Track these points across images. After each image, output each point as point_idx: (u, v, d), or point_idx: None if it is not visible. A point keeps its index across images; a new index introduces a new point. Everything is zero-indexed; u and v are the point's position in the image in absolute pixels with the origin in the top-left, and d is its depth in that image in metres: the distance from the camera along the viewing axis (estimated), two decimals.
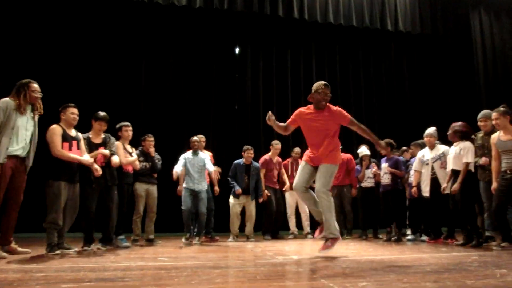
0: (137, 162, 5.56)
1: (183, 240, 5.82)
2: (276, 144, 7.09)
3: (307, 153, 4.25)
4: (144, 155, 5.87)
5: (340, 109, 4.19)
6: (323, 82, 4.18)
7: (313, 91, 4.16)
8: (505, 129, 4.55)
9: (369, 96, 9.41)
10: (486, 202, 5.16)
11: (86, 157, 4.57)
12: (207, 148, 6.91)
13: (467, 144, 5.05)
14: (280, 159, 7.19)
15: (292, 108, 8.74)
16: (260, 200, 6.63)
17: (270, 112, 4.22)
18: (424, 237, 5.92)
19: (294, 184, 4.22)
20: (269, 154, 7.08)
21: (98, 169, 4.58)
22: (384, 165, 6.40)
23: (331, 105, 4.18)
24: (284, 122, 8.79)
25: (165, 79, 8.33)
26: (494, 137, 4.69)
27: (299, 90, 8.95)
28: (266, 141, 8.11)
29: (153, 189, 5.89)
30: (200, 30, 8.61)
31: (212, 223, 6.45)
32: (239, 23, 8.76)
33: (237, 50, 8.97)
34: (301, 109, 4.29)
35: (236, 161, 6.71)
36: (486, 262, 3.31)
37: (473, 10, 9.12)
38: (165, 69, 8.37)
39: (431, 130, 5.81)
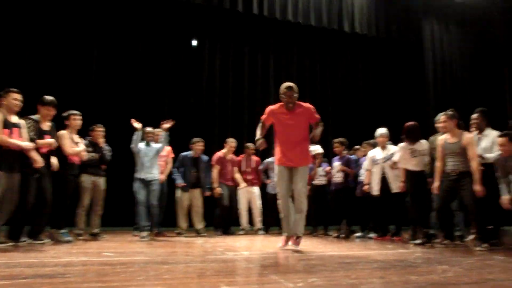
0: (84, 153, 5.30)
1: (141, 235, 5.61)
2: (232, 142, 7.02)
3: (280, 154, 4.21)
4: (93, 146, 5.62)
5: (311, 106, 4.25)
6: (286, 85, 4.18)
7: (280, 93, 4.19)
8: (452, 132, 4.74)
9: (324, 94, 9.56)
10: (435, 201, 5.40)
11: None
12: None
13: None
14: (234, 157, 7.11)
15: (249, 102, 8.79)
16: (208, 193, 6.52)
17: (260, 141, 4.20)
18: (372, 234, 6.07)
19: (280, 195, 4.21)
20: (223, 151, 7.00)
21: (38, 161, 4.30)
22: (336, 163, 6.52)
23: (301, 103, 4.22)
24: (240, 116, 8.79)
25: (118, 68, 8.02)
26: (441, 139, 4.87)
27: (255, 85, 8.95)
28: (221, 136, 8.05)
29: (101, 181, 5.64)
30: (157, 20, 8.37)
31: (161, 217, 6.29)
32: (197, 15, 8.59)
33: (194, 43, 8.80)
34: (272, 107, 4.27)
35: (183, 153, 6.56)
36: (429, 259, 3.44)
37: (425, 18, 9.51)
38: (119, 57, 8.06)
39: (383, 130, 5.96)
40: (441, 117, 4.89)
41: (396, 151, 5.52)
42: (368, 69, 10.10)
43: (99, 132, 5.70)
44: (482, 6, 9.30)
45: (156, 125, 6.84)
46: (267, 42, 9.25)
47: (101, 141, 5.69)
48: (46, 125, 4.67)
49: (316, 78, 9.58)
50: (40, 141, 4.53)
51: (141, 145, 5.89)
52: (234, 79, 8.83)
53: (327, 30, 9.18)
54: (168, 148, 6.65)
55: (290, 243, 4.26)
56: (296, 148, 4.14)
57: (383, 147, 5.89)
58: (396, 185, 5.53)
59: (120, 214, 6.98)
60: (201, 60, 8.68)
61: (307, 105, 4.25)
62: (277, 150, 4.26)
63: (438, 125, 5.37)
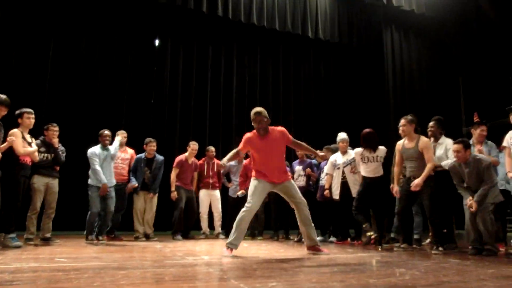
0: (36, 154, 5.04)
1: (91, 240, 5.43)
2: (194, 145, 6.91)
3: (258, 173, 4.18)
4: (46, 146, 5.35)
5: (283, 129, 4.27)
6: (254, 111, 4.16)
7: (251, 119, 4.17)
8: (409, 136, 4.86)
9: (287, 97, 9.64)
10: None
11: None
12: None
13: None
14: (196, 161, 7.00)
15: (211, 104, 8.70)
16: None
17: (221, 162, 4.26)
18: (333, 239, 6.14)
19: (250, 207, 4.07)
20: (186, 154, 6.87)
21: None
22: (298, 167, 6.54)
23: (274, 128, 4.23)
24: (203, 119, 8.67)
25: (76, 66, 7.73)
26: (399, 143, 4.98)
27: (218, 87, 8.90)
28: (182, 138, 7.93)
29: (54, 183, 5.38)
30: (118, 17, 8.16)
31: (118, 222, 6.10)
32: (161, 15, 8.44)
33: (156, 42, 8.63)
34: (248, 135, 4.24)
35: (137, 156, 6.44)
36: (387, 262, 3.50)
37: (386, 26, 9.81)
38: (76, 55, 7.78)
39: (344, 135, 6.04)
40: (400, 121, 4.99)
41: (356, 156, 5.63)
42: (331, 75, 10.28)
43: (54, 131, 5.42)
44: (439, 18, 9.70)
45: (114, 125, 6.65)
46: (231, 44, 9.23)
47: (55, 141, 5.42)
48: None
49: (279, 81, 9.65)
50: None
51: (97, 150, 5.67)
52: (197, 80, 8.72)
53: (291, 34, 9.27)
54: (131, 151, 6.46)
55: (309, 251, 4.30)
56: (275, 170, 4.17)
57: (344, 152, 5.96)
58: (355, 190, 5.62)
59: (74, 218, 6.68)
60: (164, 60, 8.52)
61: (279, 128, 4.27)
62: (256, 171, 4.22)
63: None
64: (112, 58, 8.06)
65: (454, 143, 4.45)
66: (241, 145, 4.26)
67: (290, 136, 4.29)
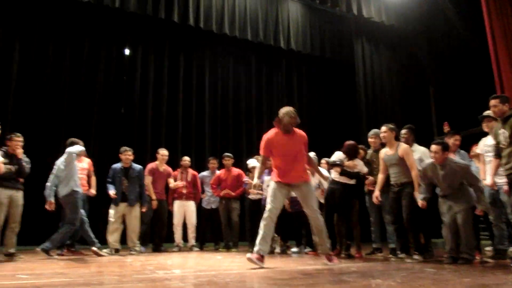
0: (1, 165, 4.82)
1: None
2: (162, 151, 6.76)
3: (277, 173, 4.16)
4: (9, 157, 5.10)
5: (305, 135, 4.30)
6: (293, 109, 4.22)
7: (281, 114, 4.15)
8: (390, 143, 4.93)
9: (259, 107, 9.62)
10: (372, 215, 5.56)
11: None
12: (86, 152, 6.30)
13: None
14: (169, 169, 6.85)
15: (183, 113, 8.60)
16: (144, 209, 6.15)
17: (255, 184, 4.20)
18: (307, 249, 6.09)
19: (271, 209, 4.04)
20: (156, 162, 6.72)
21: None
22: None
23: (298, 129, 4.28)
24: (175, 127, 8.54)
25: (42, 73, 7.51)
26: (382, 151, 5.06)
27: (190, 96, 8.81)
28: (153, 147, 7.75)
29: (18, 195, 5.14)
30: (87, 25, 7.99)
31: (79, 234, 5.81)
32: (131, 23, 8.32)
33: (126, 51, 8.47)
34: (268, 136, 4.20)
35: (113, 165, 6.19)
36: (364, 273, 3.46)
37: (356, 38, 9.98)
38: (43, 62, 7.56)
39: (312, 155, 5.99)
40: (381, 128, 5.06)
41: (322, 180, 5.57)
42: (303, 85, 10.38)
43: (18, 142, 5.18)
44: (408, 30, 9.94)
45: (83, 135, 6.45)
46: (203, 52, 9.19)
47: (19, 152, 5.18)
48: None
49: (251, 91, 9.65)
50: None
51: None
52: (169, 89, 8.62)
53: (263, 45, 9.31)
54: (87, 160, 6.23)
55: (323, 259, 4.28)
56: (293, 169, 4.14)
57: (312, 174, 5.89)
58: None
59: (39, 232, 6.38)
60: (134, 69, 8.38)
61: (303, 133, 4.31)
62: (275, 171, 4.20)
63: (370, 140, 5.59)
64: (81, 66, 7.87)
65: (433, 144, 4.46)
66: (262, 150, 4.21)
67: (306, 148, 4.32)
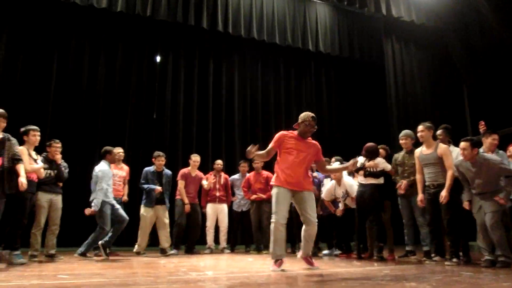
0: (42, 170, 5.06)
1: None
2: (195, 157, 6.88)
3: (283, 176, 4.10)
4: (49, 162, 5.35)
5: (318, 145, 4.28)
6: (311, 115, 4.20)
7: (300, 120, 4.18)
8: (428, 142, 4.82)
9: (288, 111, 9.59)
10: (404, 217, 5.44)
11: None
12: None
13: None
14: (200, 174, 6.94)
15: (213, 118, 8.70)
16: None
17: (252, 147, 3.99)
18: (337, 252, 6.05)
19: (278, 217, 3.98)
20: (188, 168, 6.85)
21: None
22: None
23: (310, 138, 4.26)
24: (205, 133, 8.66)
25: (78, 82, 7.78)
26: (418, 151, 4.94)
27: (219, 100, 8.90)
28: (185, 152, 7.91)
29: (58, 199, 5.38)
30: (120, 35, 8.24)
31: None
32: (162, 31, 8.52)
33: (158, 58, 8.68)
34: (284, 132, 4.22)
35: (146, 168, 6.37)
36: (397, 276, 3.41)
37: (386, 38, 9.80)
38: (79, 72, 7.83)
39: (337, 164, 5.89)
40: (418, 127, 4.95)
41: (349, 186, 5.66)
42: (332, 88, 10.27)
43: (56, 148, 5.44)
44: (439, 28, 9.69)
45: (119, 141, 6.65)
46: (232, 58, 9.26)
47: (58, 157, 5.42)
48: None
49: (280, 95, 9.64)
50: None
51: (105, 167, 5.65)
52: (199, 95, 8.74)
53: (292, 48, 9.30)
54: (126, 168, 6.44)
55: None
56: (300, 176, 4.10)
57: (339, 183, 5.85)
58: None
59: (78, 234, 6.64)
60: (165, 76, 8.55)
61: (316, 142, 4.30)
62: (280, 173, 4.14)
63: (401, 141, 5.49)
64: (114, 74, 8.11)
65: (461, 141, 4.36)
66: (273, 142, 4.18)
67: (321, 155, 4.30)
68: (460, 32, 9.65)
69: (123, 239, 6.48)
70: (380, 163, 5.37)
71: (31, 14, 7.50)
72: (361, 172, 5.36)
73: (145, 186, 6.17)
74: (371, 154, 5.41)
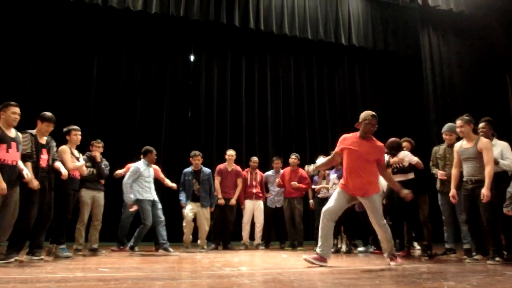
0: (84, 168, 5.31)
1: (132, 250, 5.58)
2: (229, 151, 7.00)
3: (345, 182, 4.14)
4: (91, 161, 5.62)
5: (383, 145, 4.27)
6: (371, 113, 4.16)
7: (360, 120, 4.15)
8: (468, 137, 4.63)
9: (322, 107, 9.53)
10: (444, 214, 5.30)
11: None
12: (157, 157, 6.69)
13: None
14: (238, 168, 7.04)
15: (247, 116, 8.76)
16: (212, 209, 6.46)
17: (308, 167, 4.29)
18: (373, 248, 5.98)
19: (326, 209, 4.05)
20: (225, 163, 6.97)
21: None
22: (333, 175, 6.41)
23: (375, 139, 4.22)
24: (239, 130, 8.73)
25: (117, 83, 8.07)
26: (457, 145, 4.77)
27: (253, 99, 8.94)
28: (219, 150, 8.02)
29: (100, 196, 5.65)
30: (155, 36, 8.46)
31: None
32: (195, 30, 8.66)
33: (192, 58, 8.84)
34: (346, 135, 4.25)
35: (184, 170, 6.56)
36: (434, 274, 3.32)
37: (422, 28, 9.53)
38: (118, 73, 8.12)
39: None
40: (457, 122, 4.77)
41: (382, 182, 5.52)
42: (366, 82, 10.07)
43: (97, 147, 5.70)
44: (479, 15, 9.29)
45: (154, 139, 6.85)
46: (264, 54, 9.28)
47: (98, 156, 5.68)
48: (43, 139, 4.65)
49: (313, 91, 9.56)
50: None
51: (141, 165, 5.81)
52: (232, 93, 8.83)
53: (324, 42, 9.21)
54: (155, 167, 6.57)
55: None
56: (360, 180, 4.07)
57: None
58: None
59: (117, 229, 6.91)
60: (199, 74, 8.70)
61: (380, 143, 4.25)
62: (344, 176, 4.19)
63: (445, 137, 5.31)
64: (150, 75, 8.34)
65: None
66: (338, 147, 4.23)
67: (383, 159, 4.27)
68: (502, 19, 9.21)
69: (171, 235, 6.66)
70: (406, 157, 5.24)
71: (73, 20, 7.83)
72: (388, 170, 5.19)
73: (180, 194, 6.41)
74: (393, 150, 5.30)
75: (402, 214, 5.25)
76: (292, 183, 6.75)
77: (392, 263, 4.12)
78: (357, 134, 4.19)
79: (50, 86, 7.50)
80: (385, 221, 4.16)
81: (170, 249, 5.54)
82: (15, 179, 4.18)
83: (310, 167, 4.30)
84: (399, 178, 5.17)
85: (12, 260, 4.12)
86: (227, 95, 8.78)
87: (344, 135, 4.26)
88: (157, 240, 5.75)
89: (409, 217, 5.23)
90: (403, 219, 5.33)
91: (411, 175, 5.23)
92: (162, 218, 5.70)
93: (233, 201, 6.72)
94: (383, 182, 5.46)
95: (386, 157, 5.32)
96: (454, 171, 4.81)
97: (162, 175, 6.35)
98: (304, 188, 6.83)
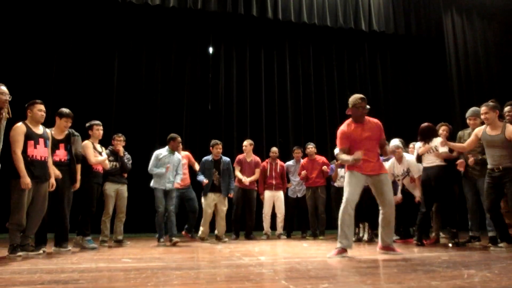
0: (107, 162, 5.43)
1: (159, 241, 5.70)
2: (247, 141, 7.02)
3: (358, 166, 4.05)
4: (114, 155, 5.75)
5: (379, 122, 4.20)
6: (360, 96, 4.10)
7: (350, 105, 4.08)
8: (493, 124, 4.49)
9: (343, 94, 9.36)
10: (469, 202, 5.19)
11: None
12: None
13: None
14: (257, 159, 7.06)
15: (266, 107, 8.74)
16: (230, 195, 6.44)
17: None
18: (395, 237, 5.90)
19: (347, 199, 3.92)
20: (244, 154, 7.00)
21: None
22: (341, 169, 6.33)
23: (370, 118, 4.17)
24: (259, 120, 8.72)
25: (138, 78, 8.21)
26: (480, 129, 4.64)
27: (272, 89, 8.91)
28: (239, 141, 8.04)
29: (123, 189, 5.78)
30: (174, 29, 8.53)
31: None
32: (213, 22, 8.68)
33: (210, 50, 8.86)
34: (343, 129, 4.14)
35: (204, 158, 6.53)
36: (455, 263, 3.27)
37: (445, 10, 9.22)
38: (138, 68, 8.25)
39: (397, 142, 5.70)
40: (481, 108, 4.62)
41: (413, 165, 5.44)
42: (387, 67, 9.90)
43: (119, 141, 5.82)
44: None
45: (176, 132, 6.91)
46: (283, 44, 9.23)
47: (121, 149, 5.80)
48: (62, 135, 4.77)
49: (333, 78, 9.46)
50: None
51: (163, 152, 5.89)
52: (251, 84, 8.83)
53: (344, 30, 9.06)
54: (185, 153, 6.69)
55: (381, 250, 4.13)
56: (372, 157, 4.02)
57: (400, 160, 5.67)
58: (417, 193, 5.47)
59: (141, 221, 7.09)
60: (218, 66, 8.73)
61: (376, 120, 4.19)
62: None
63: (469, 121, 5.18)
64: (170, 69, 8.44)
65: None
66: (340, 144, 4.13)
67: (383, 134, 4.18)
68: None
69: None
70: (411, 166, 5.21)
71: (93, 16, 8.00)
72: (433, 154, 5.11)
73: (198, 178, 6.34)
74: (426, 137, 5.18)
75: (440, 198, 5.14)
76: (303, 172, 6.83)
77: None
78: (351, 121, 4.11)
79: (74, 83, 7.70)
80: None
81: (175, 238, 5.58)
82: (45, 174, 4.32)
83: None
84: (436, 162, 5.09)
85: (40, 251, 4.28)
86: (246, 86, 8.78)
87: (341, 129, 4.14)
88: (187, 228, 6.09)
89: (446, 201, 5.12)
90: (441, 202, 5.22)
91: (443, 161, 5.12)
92: (171, 208, 5.77)
93: (246, 181, 6.69)
94: (416, 168, 5.40)
95: (419, 144, 5.21)
96: (463, 145, 4.81)
97: (193, 160, 6.70)
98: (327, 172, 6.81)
